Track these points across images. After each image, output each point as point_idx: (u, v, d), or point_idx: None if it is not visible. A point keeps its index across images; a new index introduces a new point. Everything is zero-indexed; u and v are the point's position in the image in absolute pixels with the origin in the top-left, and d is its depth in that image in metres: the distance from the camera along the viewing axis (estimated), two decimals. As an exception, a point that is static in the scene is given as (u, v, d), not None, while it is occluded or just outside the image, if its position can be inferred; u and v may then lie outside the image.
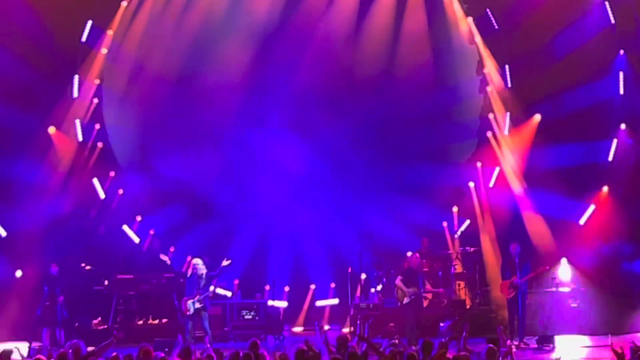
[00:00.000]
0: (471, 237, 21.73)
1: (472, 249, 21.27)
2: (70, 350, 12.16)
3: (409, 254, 19.22)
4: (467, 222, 21.96)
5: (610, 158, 20.60)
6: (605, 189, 20.66)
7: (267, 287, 21.44)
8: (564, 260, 20.32)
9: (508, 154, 21.44)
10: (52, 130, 20.81)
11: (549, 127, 20.84)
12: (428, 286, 19.37)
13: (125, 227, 21.68)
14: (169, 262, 17.70)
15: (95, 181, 21.46)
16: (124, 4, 21.19)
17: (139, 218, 21.83)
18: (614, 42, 20.52)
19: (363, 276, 21.01)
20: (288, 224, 22.07)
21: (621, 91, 20.48)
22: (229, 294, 21.05)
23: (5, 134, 20.21)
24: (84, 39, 20.75)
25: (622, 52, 20.55)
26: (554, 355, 16.36)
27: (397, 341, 14.70)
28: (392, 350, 11.97)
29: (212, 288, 17.83)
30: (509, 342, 16.41)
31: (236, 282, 21.25)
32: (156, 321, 20.49)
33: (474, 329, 15.24)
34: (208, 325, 17.50)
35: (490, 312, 20.00)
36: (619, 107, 20.61)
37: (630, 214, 20.32)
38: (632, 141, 20.58)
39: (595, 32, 20.41)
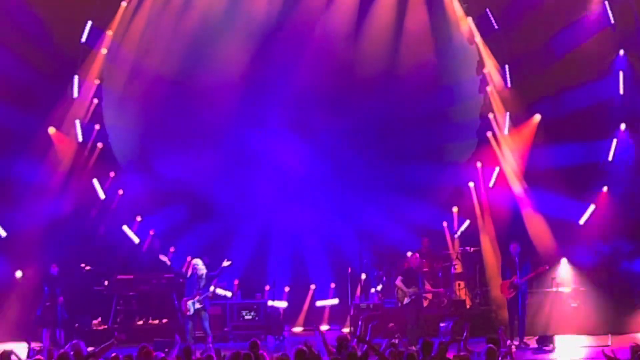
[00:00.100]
0: (471, 237, 21.72)
1: (472, 249, 21.27)
2: (71, 351, 12.15)
3: (409, 254, 19.21)
4: (467, 222, 21.95)
5: (610, 158, 20.59)
6: (605, 188, 20.65)
7: (267, 288, 21.44)
8: (564, 260, 20.31)
9: (508, 154, 21.43)
10: (52, 130, 20.80)
11: (549, 126, 20.84)
12: (428, 286, 19.37)
13: (125, 228, 21.67)
14: (168, 262, 17.69)
15: (95, 181, 21.44)
16: (123, 4, 21.18)
17: (138, 218, 21.82)
18: (613, 42, 20.51)
19: (363, 276, 21.05)
20: (288, 224, 22.05)
21: (621, 91, 20.48)
22: (229, 294, 21.05)
23: (6, 134, 20.20)
24: (83, 39, 20.74)
25: (622, 51, 20.55)
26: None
27: (397, 341, 14.70)
28: (392, 351, 11.96)
29: (212, 288, 17.83)
30: (508, 342, 16.41)
31: (236, 282, 21.24)
32: (156, 321, 20.49)
33: (474, 329, 15.22)
34: (208, 326, 17.50)
35: (490, 312, 19.99)
36: (618, 107, 20.60)
37: (630, 213, 20.31)
38: (632, 141, 20.59)
39: (595, 31, 20.40)
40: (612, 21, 20.29)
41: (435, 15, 21.68)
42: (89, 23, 20.74)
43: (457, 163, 22.18)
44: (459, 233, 21.91)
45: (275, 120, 22.08)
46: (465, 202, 22.09)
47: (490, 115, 21.71)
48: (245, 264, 21.37)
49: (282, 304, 21.29)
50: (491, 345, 11.78)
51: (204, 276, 17.47)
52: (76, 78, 20.86)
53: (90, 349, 12.59)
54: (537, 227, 20.81)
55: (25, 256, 20.27)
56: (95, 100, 21.41)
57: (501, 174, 21.55)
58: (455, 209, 22.13)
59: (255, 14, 21.67)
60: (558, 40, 20.47)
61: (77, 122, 21.06)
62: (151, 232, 21.82)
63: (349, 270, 20.56)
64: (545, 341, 17.67)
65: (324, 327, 20.72)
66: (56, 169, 20.92)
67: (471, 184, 22.11)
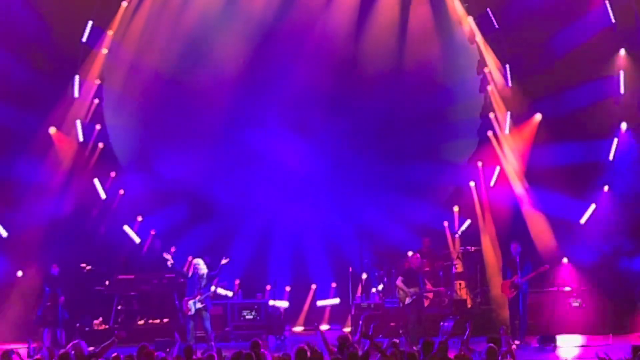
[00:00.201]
0: (472, 237, 21.73)
1: (473, 249, 21.26)
2: (72, 351, 12.16)
3: (410, 253, 19.24)
4: (468, 221, 21.95)
5: (611, 157, 20.58)
6: (606, 188, 20.64)
7: (268, 287, 21.42)
8: (565, 260, 20.31)
9: (509, 154, 21.43)
10: (52, 130, 20.80)
11: (550, 126, 20.83)
12: (429, 286, 19.37)
13: (126, 228, 21.67)
14: (171, 260, 17.70)
15: (96, 181, 21.44)
16: (124, 4, 21.18)
17: (139, 218, 21.82)
18: (614, 41, 20.51)
19: (364, 276, 21.05)
20: (289, 224, 22.05)
21: (622, 90, 20.48)
22: (230, 294, 21.04)
23: (7, 134, 20.21)
24: (84, 39, 20.74)
25: (622, 51, 20.54)
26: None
27: (398, 340, 14.69)
28: (393, 351, 11.95)
29: (213, 288, 17.83)
30: (510, 341, 16.40)
31: (237, 282, 21.22)
32: (157, 321, 20.49)
33: (474, 329, 15.19)
34: (209, 325, 17.51)
35: (491, 312, 19.99)
36: (619, 106, 20.59)
37: (631, 212, 20.30)
38: (633, 140, 20.59)
39: (596, 31, 20.39)
40: (613, 20, 20.28)
41: (436, 14, 21.67)
42: (90, 23, 20.73)
43: (458, 162, 22.18)
44: (459, 232, 21.90)
45: (275, 119, 22.07)
46: (466, 201, 22.10)
47: (491, 115, 21.71)
48: (246, 263, 21.36)
49: (283, 304, 21.29)
50: (492, 344, 11.78)
51: (204, 276, 17.49)
52: (77, 78, 20.86)
53: (91, 348, 12.60)
54: (538, 226, 20.82)
55: (26, 256, 20.28)
56: (96, 100, 21.42)
57: (502, 173, 21.55)
58: (456, 209, 22.13)
59: (255, 13, 21.66)
60: (559, 40, 20.46)
61: (78, 122, 21.06)
62: (152, 232, 21.82)
63: (350, 270, 20.58)
64: (547, 341, 17.67)
65: (325, 327, 20.71)
66: (57, 169, 20.92)
67: (472, 184, 22.11)
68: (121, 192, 21.85)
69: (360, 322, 18.60)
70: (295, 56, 21.75)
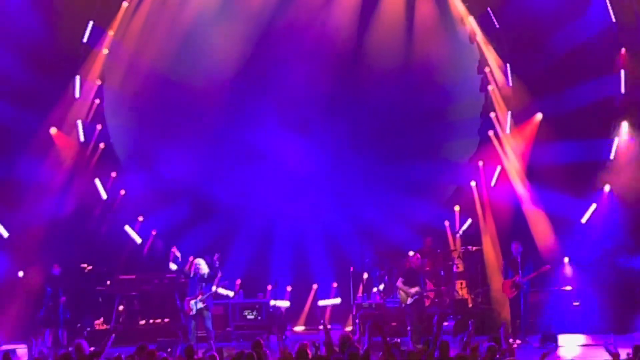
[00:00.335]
0: (473, 236, 21.73)
1: (474, 248, 21.26)
2: (74, 351, 12.18)
3: (411, 253, 19.25)
4: (469, 221, 21.95)
5: (611, 156, 20.58)
6: (607, 186, 20.63)
7: (270, 287, 21.41)
8: (566, 259, 20.30)
9: (510, 153, 21.43)
10: (53, 131, 20.81)
11: (550, 125, 20.82)
12: (430, 285, 19.36)
13: (127, 228, 21.67)
14: (178, 255, 17.75)
15: (97, 182, 21.45)
16: (125, 4, 21.18)
17: (140, 218, 21.82)
18: (615, 40, 20.50)
19: (365, 275, 21.05)
20: (290, 224, 22.07)
21: (622, 89, 20.47)
22: (231, 293, 21.04)
23: (8, 134, 20.21)
24: (85, 39, 20.74)
25: (623, 50, 20.53)
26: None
27: (399, 340, 14.70)
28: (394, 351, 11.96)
29: (214, 288, 17.84)
30: (510, 340, 16.40)
31: (238, 281, 21.24)
32: (158, 321, 20.49)
33: (475, 328, 15.21)
34: (211, 325, 17.53)
35: (492, 312, 19.99)
36: (620, 105, 20.59)
37: (632, 212, 20.29)
38: (634, 139, 20.58)
39: (596, 30, 20.39)
40: (613, 19, 20.28)
41: (439, 13, 21.66)
42: (91, 23, 20.74)
43: (459, 162, 22.19)
44: (460, 232, 21.90)
45: (276, 119, 22.08)
46: (467, 201, 22.10)
47: (492, 114, 21.71)
48: (247, 263, 21.39)
49: (284, 304, 21.29)
50: (492, 343, 11.78)
51: (206, 276, 17.52)
52: (78, 78, 20.86)
53: (92, 349, 12.61)
54: (538, 225, 20.81)
55: (27, 256, 20.28)
56: (97, 101, 21.42)
57: (503, 172, 21.55)
58: (456, 208, 22.13)
59: (256, 12, 21.66)
60: (559, 39, 20.45)
61: (79, 123, 21.07)
62: (153, 232, 21.83)
63: (351, 269, 20.59)
64: (548, 340, 17.66)
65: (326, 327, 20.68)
66: (58, 169, 20.93)
67: (473, 183, 22.11)
68: (122, 192, 21.86)
69: (357, 321, 18.73)
70: (295, 55, 21.75)
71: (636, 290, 19.72)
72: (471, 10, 21.44)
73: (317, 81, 21.60)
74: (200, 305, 17.40)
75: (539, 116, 21.06)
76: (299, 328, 21.63)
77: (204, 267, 17.58)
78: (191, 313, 17.43)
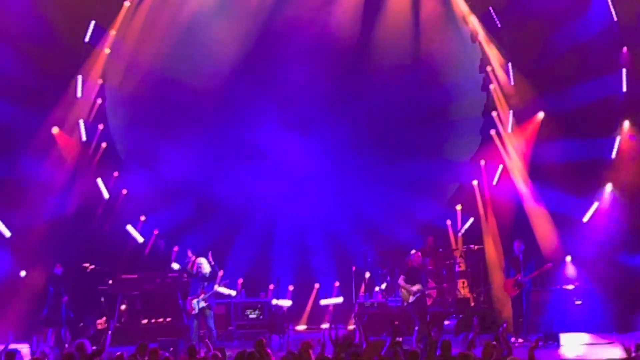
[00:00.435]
0: (475, 235, 21.73)
1: (475, 247, 21.25)
2: (76, 351, 12.20)
3: (413, 252, 19.25)
4: (471, 220, 21.96)
5: (613, 155, 20.57)
6: (609, 185, 20.63)
7: (271, 286, 21.42)
8: (568, 258, 20.30)
9: (512, 152, 21.43)
10: (55, 130, 20.83)
11: (552, 124, 20.82)
12: (431, 283, 19.37)
13: (129, 227, 21.69)
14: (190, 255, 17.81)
15: (99, 181, 21.47)
16: (126, 3, 21.20)
17: (142, 218, 21.84)
18: (616, 39, 20.50)
19: (367, 275, 21.05)
20: (292, 223, 22.08)
21: (624, 88, 20.47)
22: (233, 293, 21.05)
23: (10, 133, 20.22)
24: (87, 38, 20.75)
25: (624, 48, 20.53)
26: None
27: (401, 339, 14.70)
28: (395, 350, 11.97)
29: (216, 287, 17.86)
30: (512, 339, 16.41)
31: (240, 281, 21.25)
32: (160, 320, 20.50)
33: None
34: (213, 324, 17.54)
35: (493, 310, 19.98)
36: (621, 104, 20.59)
37: (634, 210, 20.29)
38: (635, 137, 20.58)
39: (598, 29, 20.39)
40: (615, 18, 20.28)
41: (443, 12, 21.66)
42: (92, 23, 20.75)
43: (461, 161, 22.19)
44: (462, 231, 21.91)
45: (277, 118, 22.08)
46: (469, 200, 22.10)
47: (494, 113, 21.71)
48: (249, 262, 21.39)
49: (286, 303, 21.29)
50: (493, 342, 11.79)
51: (207, 275, 17.53)
52: (79, 78, 20.88)
53: (94, 348, 12.64)
54: (541, 224, 20.81)
55: (30, 256, 20.29)
56: (99, 100, 21.43)
57: (505, 171, 21.55)
58: (459, 207, 22.14)
59: (256, 10, 21.67)
60: (561, 38, 20.45)
61: (81, 122, 21.08)
62: (155, 232, 21.84)
63: (353, 268, 20.59)
64: (550, 339, 17.66)
65: (325, 326, 20.70)
66: (60, 168, 20.94)
67: (475, 182, 22.12)
68: (124, 191, 21.87)
69: (356, 319, 18.74)
70: (296, 54, 21.75)
71: (638, 288, 19.71)
72: (473, 9, 21.43)
73: (318, 80, 21.60)
74: (202, 304, 17.42)
75: (540, 115, 21.07)
76: (301, 327, 21.63)
77: (205, 267, 17.60)
78: (193, 312, 17.44)
